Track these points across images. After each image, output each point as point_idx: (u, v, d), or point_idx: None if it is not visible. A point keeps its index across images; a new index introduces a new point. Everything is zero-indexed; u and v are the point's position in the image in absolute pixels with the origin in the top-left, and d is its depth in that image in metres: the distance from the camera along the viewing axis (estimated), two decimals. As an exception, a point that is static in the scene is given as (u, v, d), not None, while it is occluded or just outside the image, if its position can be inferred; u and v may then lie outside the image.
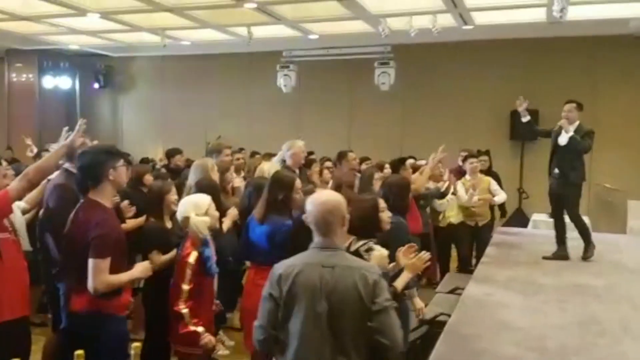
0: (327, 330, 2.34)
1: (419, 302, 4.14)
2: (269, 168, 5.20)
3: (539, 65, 10.13)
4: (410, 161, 6.64)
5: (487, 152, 8.19)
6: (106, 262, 2.94)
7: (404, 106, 10.88)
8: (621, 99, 9.74)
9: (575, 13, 7.98)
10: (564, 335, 3.79)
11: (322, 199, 2.54)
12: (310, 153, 8.44)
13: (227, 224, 4.25)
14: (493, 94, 10.35)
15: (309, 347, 2.35)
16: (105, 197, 3.10)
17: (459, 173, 7.17)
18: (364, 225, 3.28)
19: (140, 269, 3.21)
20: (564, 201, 6.06)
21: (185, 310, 3.25)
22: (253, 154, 8.85)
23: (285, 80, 11.03)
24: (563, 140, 5.92)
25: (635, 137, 9.68)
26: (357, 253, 3.11)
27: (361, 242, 3.25)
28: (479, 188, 6.77)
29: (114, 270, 2.99)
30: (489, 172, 7.61)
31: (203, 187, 4.14)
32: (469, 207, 6.76)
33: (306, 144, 8.31)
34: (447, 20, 8.46)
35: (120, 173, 3.13)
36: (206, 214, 3.47)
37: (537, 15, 8.24)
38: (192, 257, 3.33)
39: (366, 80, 10.63)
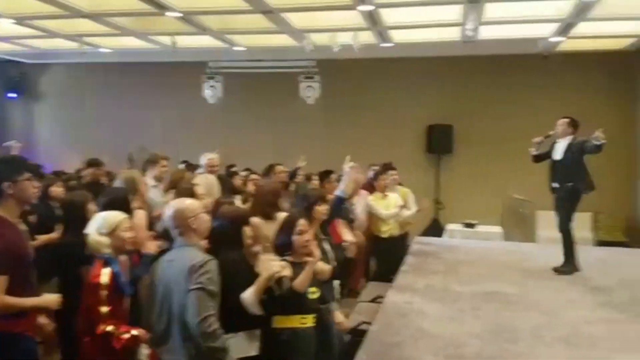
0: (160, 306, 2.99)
1: (339, 316, 4.16)
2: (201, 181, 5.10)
3: (455, 82, 10.63)
4: (335, 175, 6.68)
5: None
6: (1, 280, 2.73)
7: (329, 119, 11.07)
8: (532, 114, 10.35)
9: (488, 33, 8.48)
10: (480, 343, 3.98)
11: (171, 205, 3.14)
12: (231, 166, 8.43)
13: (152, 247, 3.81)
14: (411, 109, 10.75)
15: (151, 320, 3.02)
16: (9, 211, 2.87)
17: (370, 187, 7.09)
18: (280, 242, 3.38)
19: (48, 300, 2.95)
20: (561, 209, 6.18)
21: (110, 328, 3.06)
22: (189, 165, 8.47)
23: (211, 92, 10.95)
24: (557, 154, 6.13)
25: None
26: None
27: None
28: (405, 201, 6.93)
29: (15, 290, 2.77)
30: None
31: (108, 202, 3.77)
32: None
33: (230, 156, 8.34)
34: (368, 37, 8.72)
35: (23, 187, 2.89)
36: (112, 233, 3.22)
37: (452, 34, 8.66)
38: (105, 277, 3.08)
39: (292, 93, 10.74)
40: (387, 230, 6.73)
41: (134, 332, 3.08)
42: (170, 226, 3.13)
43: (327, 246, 4.37)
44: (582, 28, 8.19)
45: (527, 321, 4.45)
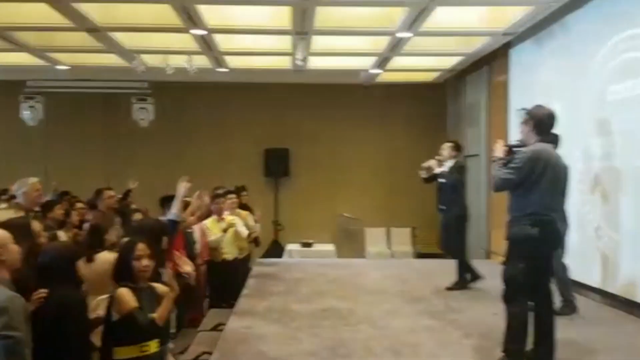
0: None
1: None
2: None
3: (289, 108, 11.09)
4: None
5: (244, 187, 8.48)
6: None
7: (165, 143, 10.82)
8: (357, 140, 11.16)
9: (316, 63, 9.01)
10: (316, 361, 4.17)
11: None
12: (65, 193, 7.76)
13: None
14: (248, 133, 10.99)
15: None
16: None
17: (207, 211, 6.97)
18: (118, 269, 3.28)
19: None
20: (449, 234, 6.41)
21: None
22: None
23: (31, 112, 10.10)
24: (441, 177, 6.33)
25: (369, 174, 11.15)
26: None
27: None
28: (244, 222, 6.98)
29: None
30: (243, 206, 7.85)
31: None
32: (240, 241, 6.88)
33: (56, 181, 7.73)
34: (203, 61, 8.75)
35: None
36: None
37: (284, 62, 9.06)
38: None
39: (124, 115, 10.33)
40: (222, 254, 6.65)
41: None
42: None
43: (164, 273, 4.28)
44: (396, 62, 9.07)
45: (358, 335, 4.76)
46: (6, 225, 3.28)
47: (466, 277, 6.35)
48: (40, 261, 3.20)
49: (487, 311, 5.21)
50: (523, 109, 4.07)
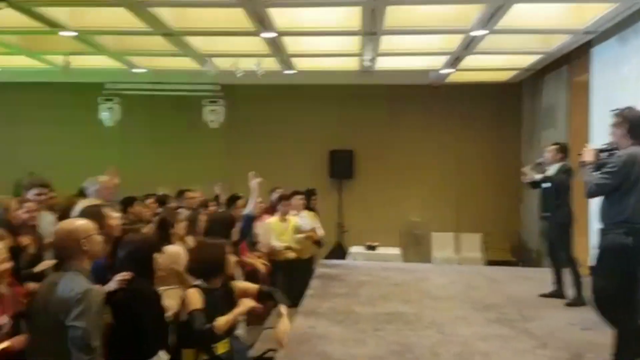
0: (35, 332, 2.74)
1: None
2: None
3: (355, 110, 10.99)
4: (242, 200, 6.63)
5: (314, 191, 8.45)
6: None
7: (232, 144, 11.00)
8: (424, 142, 10.94)
9: (384, 63, 8.90)
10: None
11: (60, 226, 2.94)
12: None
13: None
14: (314, 134, 10.97)
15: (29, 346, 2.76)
16: None
17: (272, 211, 7.15)
18: (205, 267, 3.31)
19: None
20: (554, 243, 6.08)
21: None
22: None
23: (109, 113, 10.55)
24: (545, 182, 6.04)
25: (438, 177, 10.89)
26: None
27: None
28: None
29: None
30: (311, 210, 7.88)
31: None
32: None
33: (132, 180, 7.99)
34: (271, 63, 8.85)
35: None
36: None
37: (351, 63, 9.00)
38: None
39: (196, 117, 10.60)
40: (284, 253, 6.70)
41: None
42: (57, 248, 2.90)
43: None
44: (469, 61, 8.82)
45: (425, 340, 4.64)
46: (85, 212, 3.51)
47: (577, 291, 5.78)
48: (120, 252, 3.30)
49: (564, 321, 4.95)
50: (616, 109, 3.84)
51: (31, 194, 4.92)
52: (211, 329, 3.13)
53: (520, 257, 10.29)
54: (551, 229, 6.03)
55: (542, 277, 6.47)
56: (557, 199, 5.88)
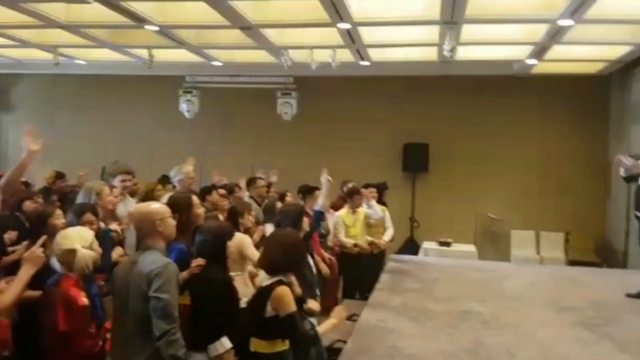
0: (118, 308, 2.96)
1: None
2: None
3: (431, 102, 10.75)
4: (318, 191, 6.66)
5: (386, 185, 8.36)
6: None
7: (304, 136, 11.05)
8: (504, 136, 10.53)
9: (465, 53, 8.62)
10: (454, 361, 3.97)
11: (138, 208, 3.26)
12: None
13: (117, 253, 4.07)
14: (388, 127, 10.81)
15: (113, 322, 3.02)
16: None
17: (342, 203, 7.20)
18: (288, 262, 3.31)
19: (29, 263, 2.86)
20: None
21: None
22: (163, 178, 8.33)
23: (188, 106, 10.89)
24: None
25: (518, 172, 10.45)
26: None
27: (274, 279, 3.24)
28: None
29: None
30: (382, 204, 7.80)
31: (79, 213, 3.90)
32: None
33: (208, 171, 8.22)
34: (346, 55, 8.79)
35: None
36: (91, 247, 3.14)
37: (429, 53, 8.78)
38: (83, 300, 2.98)
39: (269, 109, 10.74)
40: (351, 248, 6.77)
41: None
42: (135, 228, 3.15)
43: (311, 261, 4.37)
44: (555, 51, 8.38)
45: (501, 340, 4.46)
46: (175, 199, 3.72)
47: None
48: (198, 239, 3.42)
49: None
50: None
51: (117, 180, 5.16)
52: (316, 335, 3.27)
53: (604, 258, 9.73)
54: None
55: (627, 279, 6.06)
56: None
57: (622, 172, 5.89)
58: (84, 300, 2.98)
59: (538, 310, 5.44)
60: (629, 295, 5.75)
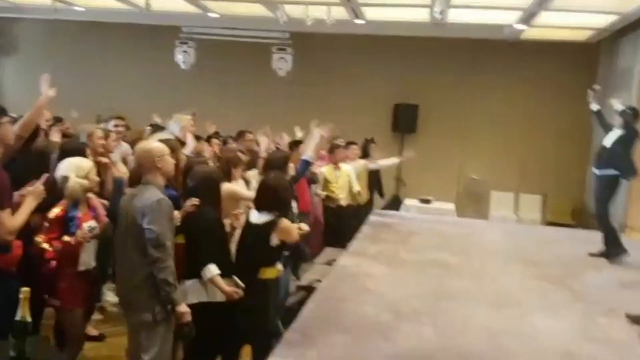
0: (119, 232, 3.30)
1: None
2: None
3: (423, 63, 10.88)
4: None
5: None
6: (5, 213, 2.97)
7: (297, 92, 11.18)
8: (492, 100, 10.76)
9: (456, 16, 8.77)
10: (418, 302, 4.32)
11: (139, 146, 3.50)
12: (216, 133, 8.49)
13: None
14: (379, 87, 10.98)
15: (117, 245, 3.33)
16: None
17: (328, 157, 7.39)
18: (277, 201, 3.72)
19: (32, 196, 3.12)
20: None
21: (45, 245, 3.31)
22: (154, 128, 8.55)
23: (183, 57, 11.02)
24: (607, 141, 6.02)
25: (502, 136, 10.74)
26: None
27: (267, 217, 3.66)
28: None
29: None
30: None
31: (68, 150, 4.02)
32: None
33: (203, 123, 8.44)
34: (340, 12, 8.92)
35: (2, 130, 3.16)
36: (86, 177, 3.48)
37: (422, 15, 8.92)
38: (52, 213, 3.37)
39: (264, 64, 10.87)
40: (337, 200, 7.00)
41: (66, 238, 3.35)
42: (136, 164, 3.48)
43: (294, 205, 4.70)
44: (544, 18, 8.54)
45: (463, 284, 4.83)
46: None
47: None
48: (190, 181, 3.74)
49: (610, 282, 5.00)
50: None
51: (110, 125, 5.42)
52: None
53: (580, 221, 10.11)
54: None
55: (594, 239, 6.42)
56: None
57: (593, 106, 6.42)
58: (52, 214, 3.36)
59: (505, 263, 5.81)
60: (592, 254, 6.12)
